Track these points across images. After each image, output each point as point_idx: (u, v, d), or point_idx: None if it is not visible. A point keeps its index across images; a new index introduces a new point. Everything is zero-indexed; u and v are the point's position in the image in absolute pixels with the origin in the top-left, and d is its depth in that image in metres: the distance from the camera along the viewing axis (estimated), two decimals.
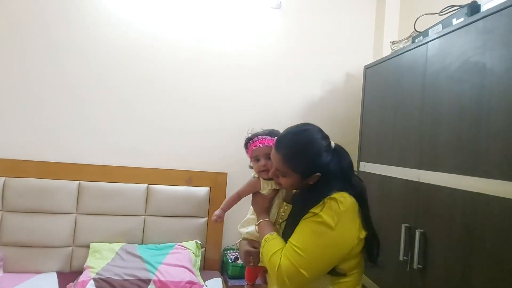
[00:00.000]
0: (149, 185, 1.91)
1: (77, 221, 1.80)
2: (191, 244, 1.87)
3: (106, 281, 1.53)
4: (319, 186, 0.89)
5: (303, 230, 0.84)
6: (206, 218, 1.97)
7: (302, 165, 0.88)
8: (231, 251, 2.00)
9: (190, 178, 1.99)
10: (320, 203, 0.83)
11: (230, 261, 1.89)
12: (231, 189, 2.06)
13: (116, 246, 1.75)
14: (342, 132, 2.25)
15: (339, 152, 0.93)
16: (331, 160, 0.89)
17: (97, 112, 1.92)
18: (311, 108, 2.25)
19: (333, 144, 0.93)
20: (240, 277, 1.84)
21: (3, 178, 1.73)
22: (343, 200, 0.83)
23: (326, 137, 0.93)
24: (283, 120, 2.16)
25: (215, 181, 2.02)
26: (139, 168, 1.92)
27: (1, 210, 1.72)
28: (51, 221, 1.75)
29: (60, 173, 1.80)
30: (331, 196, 0.83)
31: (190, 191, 1.96)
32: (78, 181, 1.82)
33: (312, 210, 0.84)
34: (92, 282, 1.52)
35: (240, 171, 2.13)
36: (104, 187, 1.84)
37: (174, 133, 2.03)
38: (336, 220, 0.81)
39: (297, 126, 0.95)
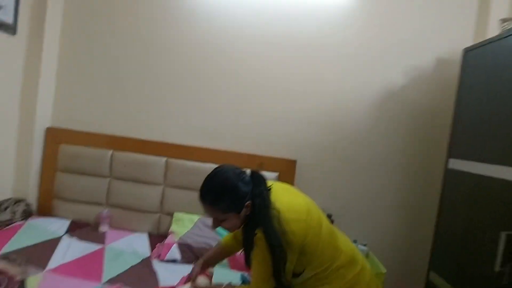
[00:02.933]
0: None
1: (164, 192, 2.07)
2: None
3: (186, 245, 1.75)
4: (252, 217, 1.00)
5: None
6: None
7: (229, 202, 0.99)
8: None
9: (262, 162, 2.08)
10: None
11: None
12: (300, 176, 2.09)
13: (195, 217, 1.96)
14: (427, 123, 2.05)
15: (256, 179, 1.04)
16: (252, 188, 1.00)
17: (185, 99, 2.15)
18: (390, 97, 2.09)
19: (248, 173, 1.05)
20: None
21: (111, 151, 2.10)
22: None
23: (239, 172, 1.03)
24: (356, 108, 2.09)
25: (285, 167, 2.07)
26: (217, 150, 2.09)
27: (109, 177, 2.09)
28: (145, 190, 2.06)
29: (153, 149, 2.08)
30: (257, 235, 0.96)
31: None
32: (166, 158, 2.08)
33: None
34: (175, 245, 1.76)
35: (309, 159, 2.15)
36: (187, 164, 2.06)
37: (249, 118, 2.14)
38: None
39: (211, 172, 1.04)
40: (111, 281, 1.45)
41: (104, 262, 1.62)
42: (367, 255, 1.96)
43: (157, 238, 1.95)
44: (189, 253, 1.73)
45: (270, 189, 1.04)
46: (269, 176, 2.03)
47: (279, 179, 2.05)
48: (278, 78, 2.11)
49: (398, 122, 2.08)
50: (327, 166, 2.13)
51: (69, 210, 2.08)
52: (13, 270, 1.34)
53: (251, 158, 2.07)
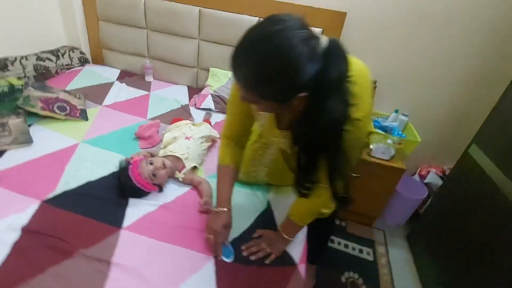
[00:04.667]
0: (261, 18, 1.83)
1: (200, 46, 2.02)
2: None
3: (219, 97, 1.83)
4: (313, 110, 0.62)
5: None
6: None
7: (274, 91, 0.60)
8: None
9: (304, 14, 1.78)
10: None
11: None
12: (348, 33, 1.79)
13: (229, 73, 1.95)
14: None
15: (332, 56, 0.58)
16: (321, 69, 0.57)
17: None
18: None
19: (323, 43, 0.58)
20: None
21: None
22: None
23: (307, 38, 0.56)
24: None
25: (331, 21, 1.76)
26: None
27: (146, 28, 2.07)
28: (181, 43, 2.02)
29: None
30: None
31: None
32: (199, 7, 1.90)
33: None
34: (210, 96, 1.85)
35: (364, 12, 1.77)
36: (222, 16, 1.87)
37: None
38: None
39: (262, 27, 0.57)
40: (153, 118, 1.66)
41: (149, 104, 1.83)
42: (406, 125, 1.86)
43: (195, 90, 2.07)
44: (221, 103, 1.82)
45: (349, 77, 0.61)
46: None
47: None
48: None
49: None
50: (380, 22, 1.75)
51: (118, 60, 2.23)
52: (74, 101, 1.59)
53: (293, 8, 1.78)
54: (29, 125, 1.40)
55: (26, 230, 0.91)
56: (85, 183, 1.14)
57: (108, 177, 1.18)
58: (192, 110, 1.82)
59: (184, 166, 1.21)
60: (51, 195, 1.06)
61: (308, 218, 0.95)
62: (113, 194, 1.09)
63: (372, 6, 1.73)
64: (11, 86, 1.49)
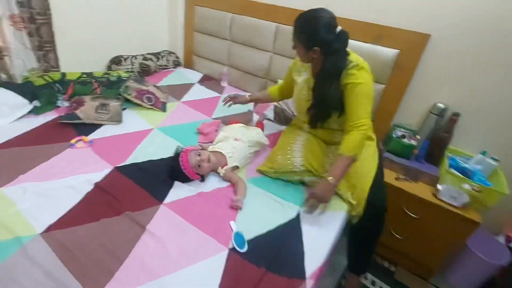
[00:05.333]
0: None
1: (272, 59, 2.14)
2: None
3: (282, 109, 1.90)
4: (324, 62, 1.19)
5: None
6: (384, 86, 1.76)
7: (303, 35, 1.16)
8: (401, 129, 1.79)
9: (380, 34, 1.72)
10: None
11: (396, 136, 1.72)
12: (430, 57, 1.64)
13: None
14: None
15: (343, 36, 1.16)
16: (333, 39, 1.14)
17: None
18: None
19: (339, 28, 1.15)
20: (400, 154, 1.69)
21: (231, 15, 2.24)
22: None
23: (332, 20, 1.13)
24: None
25: (410, 44, 1.64)
26: None
27: (229, 40, 2.33)
28: (256, 54, 2.19)
29: (263, 13, 2.07)
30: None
31: (375, 50, 1.73)
32: (276, 24, 2.04)
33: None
34: (272, 107, 1.96)
35: (450, 35, 1.58)
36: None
37: None
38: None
39: (310, 9, 1.16)
40: (216, 118, 1.85)
41: (217, 105, 2.04)
42: (495, 172, 1.55)
43: None
44: (281, 115, 1.89)
45: (348, 53, 1.21)
46: (388, 52, 1.70)
47: (399, 58, 1.68)
48: None
49: None
50: (469, 47, 1.53)
51: (202, 66, 2.57)
52: (159, 94, 1.91)
53: (368, 28, 1.74)
54: (124, 109, 1.76)
55: (97, 186, 1.16)
56: (148, 161, 1.36)
57: (166, 159, 1.38)
58: (255, 116, 1.95)
59: (226, 164, 1.32)
60: (121, 164, 1.31)
61: (355, 148, 1.16)
62: (165, 174, 1.28)
63: (460, 29, 1.54)
64: (119, 77, 1.90)
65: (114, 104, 1.68)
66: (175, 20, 2.49)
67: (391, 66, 1.72)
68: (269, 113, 1.94)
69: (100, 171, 1.25)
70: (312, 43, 1.14)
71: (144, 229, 1.01)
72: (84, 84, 1.77)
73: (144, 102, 1.80)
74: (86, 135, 1.48)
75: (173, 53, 2.58)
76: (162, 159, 1.39)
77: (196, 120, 1.79)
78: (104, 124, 1.59)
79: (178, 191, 1.21)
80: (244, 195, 1.21)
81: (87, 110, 1.58)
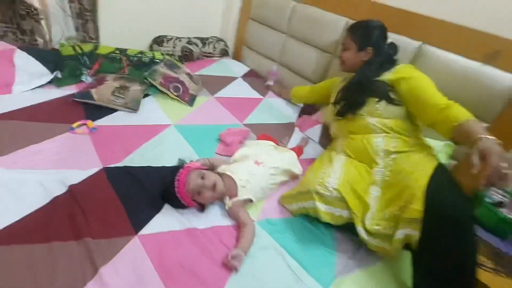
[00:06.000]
0: (423, 44, 1.35)
1: (331, 63, 1.72)
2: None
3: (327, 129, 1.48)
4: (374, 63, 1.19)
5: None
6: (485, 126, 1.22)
7: (359, 34, 1.22)
8: (499, 191, 1.23)
9: (497, 51, 1.18)
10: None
11: (488, 201, 1.18)
12: None
13: None
14: None
15: (394, 46, 1.24)
16: (385, 45, 1.22)
17: None
18: None
19: (389, 39, 1.25)
20: (491, 230, 1.15)
21: (293, 4, 1.86)
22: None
23: (386, 29, 1.22)
24: None
25: None
26: (416, 14, 1.36)
27: (285, 33, 1.96)
28: (313, 54, 1.79)
29: (330, 3, 1.65)
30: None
31: (485, 73, 1.20)
32: (347, 19, 1.61)
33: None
34: (320, 126, 1.58)
35: None
36: None
37: None
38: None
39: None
40: (248, 125, 1.52)
41: (255, 109, 1.71)
42: None
43: (308, 109, 1.79)
44: (327, 138, 1.47)
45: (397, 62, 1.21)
46: (503, 78, 1.17)
47: None
48: None
49: None
50: None
51: (251, 59, 2.25)
52: (190, 85, 1.65)
53: (479, 38, 1.21)
54: (147, 95, 1.54)
55: (70, 191, 0.93)
56: (145, 167, 1.10)
57: (166, 169, 1.10)
58: (296, 132, 1.57)
59: (236, 194, 0.98)
60: (114, 164, 1.07)
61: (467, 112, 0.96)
62: (158, 190, 1.00)
63: None
64: (153, 59, 1.69)
65: (135, 88, 1.46)
66: (231, 3, 2.21)
67: (505, 99, 1.18)
68: (313, 132, 1.54)
69: (85, 168, 1.02)
70: (367, 43, 1.19)
71: (96, 271, 0.73)
72: (113, 61, 1.59)
73: (170, 91, 1.55)
74: (95, 119, 1.28)
75: (223, 40, 2.30)
76: (162, 168, 1.11)
77: (223, 122, 1.49)
78: (118, 110, 1.38)
79: (164, 220, 0.91)
80: (247, 247, 0.86)
81: (103, 91, 1.38)
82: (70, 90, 1.45)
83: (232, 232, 0.93)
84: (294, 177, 1.18)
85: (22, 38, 1.58)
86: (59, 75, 1.46)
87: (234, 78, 2.02)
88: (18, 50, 1.42)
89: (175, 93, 1.56)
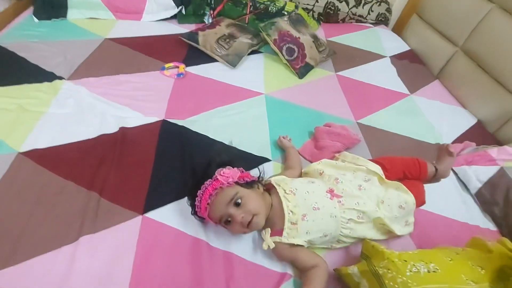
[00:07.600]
0: None
1: None
2: None
3: None
4: None
5: None
6: None
7: None
8: None
9: None
10: None
11: None
12: None
13: None
14: None
15: None
16: None
17: None
18: None
19: None
20: None
21: None
22: None
23: None
24: None
25: None
26: None
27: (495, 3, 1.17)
28: None
29: None
30: None
31: None
32: None
33: None
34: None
35: None
36: None
37: None
38: None
39: None
40: (363, 128, 1.04)
41: (387, 107, 1.16)
42: None
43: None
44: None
45: None
46: None
47: None
48: None
49: None
50: None
51: (419, 36, 1.56)
52: (310, 52, 1.26)
53: None
54: (256, 52, 1.29)
55: (119, 132, 0.84)
56: (202, 135, 0.90)
57: (217, 144, 0.87)
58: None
59: (282, 231, 0.63)
60: (174, 120, 0.93)
61: None
62: (196, 169, 0.78)
63: None
64: (281, 10, 1.39)
65: (242, 41, 1.23)
66: None
67: None
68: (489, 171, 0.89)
69: (146, 115, 0.93)
70: None
71: (77, 238, 0.62)
72: (237, 5, 1.39)
73: (281, 52, 1.24)
74: (191, 64, 1.16)
75: (386, 2, 1.69)
76: (217, 145, 0.87)
77: (329, 112, 1.08)
78: (217, 61, 1.21)
79: (177, 212, 0.70)
80: None
81: (209, 36, 1.22)
82: (188, 28, 1.38)
83: (254, 274, 0.62)
84: (391, 235, 0.69)
85: None
86: (183, 11, 1.40)
87: (380, 57, 1.46)
88: None
89: (286, 57, 1.23)
